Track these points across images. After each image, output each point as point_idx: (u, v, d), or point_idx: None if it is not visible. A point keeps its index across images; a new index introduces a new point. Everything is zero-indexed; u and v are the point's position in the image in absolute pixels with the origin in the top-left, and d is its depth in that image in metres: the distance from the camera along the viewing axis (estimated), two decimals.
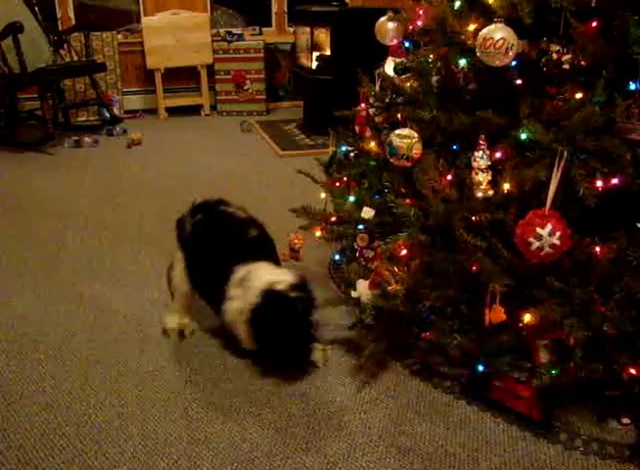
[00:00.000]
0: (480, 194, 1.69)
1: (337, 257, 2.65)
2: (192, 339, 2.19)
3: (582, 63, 1.60)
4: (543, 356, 1.70)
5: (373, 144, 2.17)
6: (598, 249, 1.61)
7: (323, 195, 2.47)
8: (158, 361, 2.07)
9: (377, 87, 2.21)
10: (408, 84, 2.00)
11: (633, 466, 1.61)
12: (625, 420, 1.75)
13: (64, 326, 2.28)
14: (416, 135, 1.84)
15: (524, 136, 1.62)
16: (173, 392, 1.92)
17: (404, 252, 1.79)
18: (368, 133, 2.25)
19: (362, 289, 1.99)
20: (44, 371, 2.02)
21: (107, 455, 1.66)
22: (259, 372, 2.01)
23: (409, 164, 1.87)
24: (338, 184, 2.39)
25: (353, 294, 2.03)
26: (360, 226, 2.14)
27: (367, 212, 2.12)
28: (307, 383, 1.95)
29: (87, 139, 4.90)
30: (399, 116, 2.01)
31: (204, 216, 2.14)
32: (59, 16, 5.66)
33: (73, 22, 5.64)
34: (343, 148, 2.44)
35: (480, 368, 1.81)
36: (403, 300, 1.80)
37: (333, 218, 2.28)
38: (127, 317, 2.34)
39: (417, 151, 1.84)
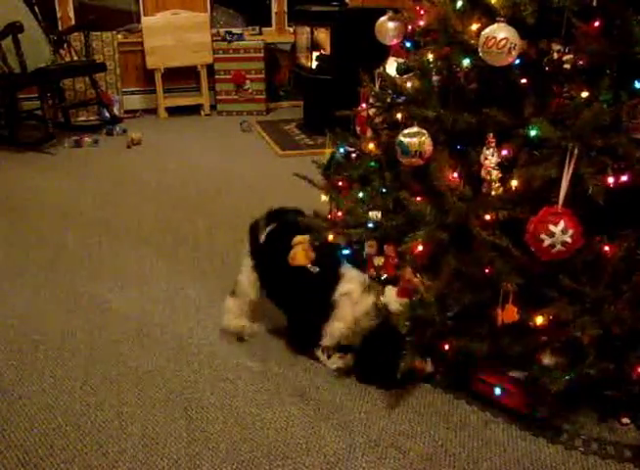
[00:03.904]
0: (489, 191, 1.68)
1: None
2: (192, 339, 2.19)
3: (584, 63, 1.60)
4: (546, 359, 1.69)
5: (372, 145, 2.16)
6: (607, 247, 1.61)
7: (324, 197, 2.45)
8: (158, 361, 2.07)
9: (377, 87, 2.20)
10: (409, 84, 1.99)
11: (633, 466, 1.62)
12: (625, 420, 1.75)
13: (64, 326, 2.28)
14: (425, 131, 1.83)
15: (533, 133, 1.61)
16: (173, 392, 1.92)
17: (420, 248, 1.77)
18: (369, 133, 2.24)
19: (391, 297, 1.93)
20: (44, 371, 2.02)
21: (107, 455, 1.66)
22: (259, 372, 2.01)
23: (422, 162, 1.85)
24: (338, 185, 2.37)
25: (382, 299, 1.97)
26: (370, 224, 2.08)
27: (373, 215, 2.09)
28: (307, 383, 1.95)
29: (87, 139, 4.90)
30: (399, 116, 2.00)
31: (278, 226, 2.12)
32: (59, 16, 5.66)
33: (73, 21, 5.65)
34: (342, 149, 2.43)
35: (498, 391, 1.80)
36: (437, 307, 1.76)
37: (339, 213, 2.23)
38: (127, 317, 2.34)
39: (428, 146, 1.82)
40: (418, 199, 1.86)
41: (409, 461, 1.64)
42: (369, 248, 2.06)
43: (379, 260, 2.03)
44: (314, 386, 1.94)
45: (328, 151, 2.54)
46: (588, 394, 1.77)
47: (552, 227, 1.55)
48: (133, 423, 1.78)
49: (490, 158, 1.67)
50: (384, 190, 2.08)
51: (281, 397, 1.89)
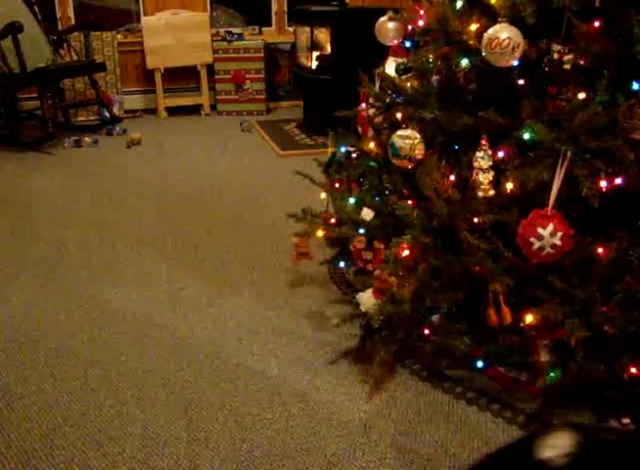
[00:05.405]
0: (480, 194, 1.69)
1: (336, 258, 2.64)
2: (192, 339, 2.19)
3: (584, 63, 1.60)
4: (543, 356, 1.70)
5: (373, 144, 2.17)
6: (600, 249, 1.61)
7: (323, 195, 2.46)
8: (158, 361, 2.07)
9: (376, 87, 2.21)
10: (408, 84, 2.00)
11: None
12: (625, 420, 1.75)
13: (64, 326, 2.28)
14: (418, 136, 1.84)
15: (527, 136, 1.62)
16: (173, 392, 1.92)
17: (406, 252, 1.78)
18: (369, 133, 2.24)
19: (367, 300, 1.95)
20: (44, 371, 2.02)
21: (107, 455, 1.66)
22: (259, 372, 2.01)
23: (411, 165, 1.87)
24: (338, 185, 2.39)
25: (362, 308, 1.98)
26: (361, 230, 2.12)
27: (367, 214, 2.11)
28: (307, 383, 1.95)
29: (87, 139, 4.90)
30: (399, 116, 2.00)
31: None
32: (59, 16, 5.66)
33: (73, 21, 5.64)
34: (343, 149, 2.44)
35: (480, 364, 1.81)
36: (410, 304, 1.79)
37: (332, 220, 2.27)
38: (127, 317, 2.34)
39: (419, 151, 1.84)
40: (409, 202, 1.87)
41: (409, 461, 1.64)
42: (358, 243, 2.10)
43: (367, 254, 2.07)
44: (314, 386, 1.94)
45: (330, 150, 2.56)
46: (588, 394, 1.76)
47: (540, 230, 1.56)
48: (133, 423, 1.78)
49: (480, 160, 1.68)
50: (379, 190, 2.09)
51: (281, 397, 1.89)
